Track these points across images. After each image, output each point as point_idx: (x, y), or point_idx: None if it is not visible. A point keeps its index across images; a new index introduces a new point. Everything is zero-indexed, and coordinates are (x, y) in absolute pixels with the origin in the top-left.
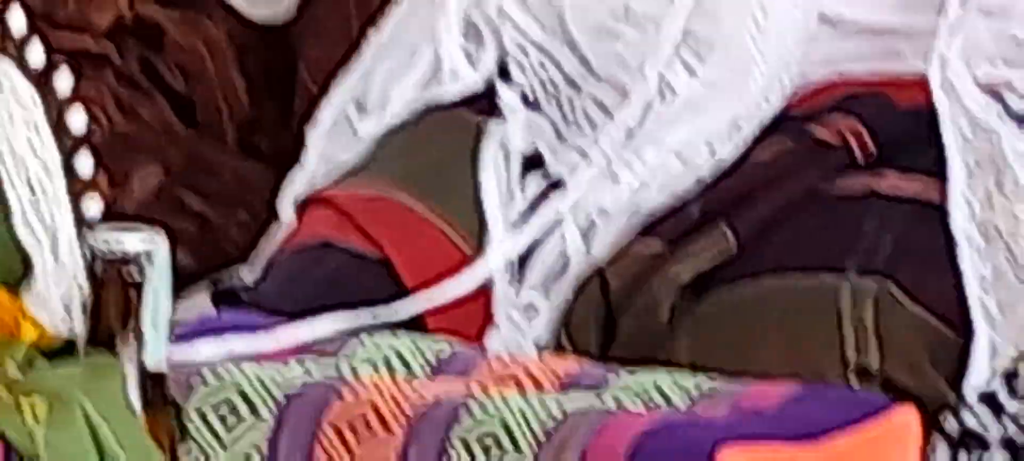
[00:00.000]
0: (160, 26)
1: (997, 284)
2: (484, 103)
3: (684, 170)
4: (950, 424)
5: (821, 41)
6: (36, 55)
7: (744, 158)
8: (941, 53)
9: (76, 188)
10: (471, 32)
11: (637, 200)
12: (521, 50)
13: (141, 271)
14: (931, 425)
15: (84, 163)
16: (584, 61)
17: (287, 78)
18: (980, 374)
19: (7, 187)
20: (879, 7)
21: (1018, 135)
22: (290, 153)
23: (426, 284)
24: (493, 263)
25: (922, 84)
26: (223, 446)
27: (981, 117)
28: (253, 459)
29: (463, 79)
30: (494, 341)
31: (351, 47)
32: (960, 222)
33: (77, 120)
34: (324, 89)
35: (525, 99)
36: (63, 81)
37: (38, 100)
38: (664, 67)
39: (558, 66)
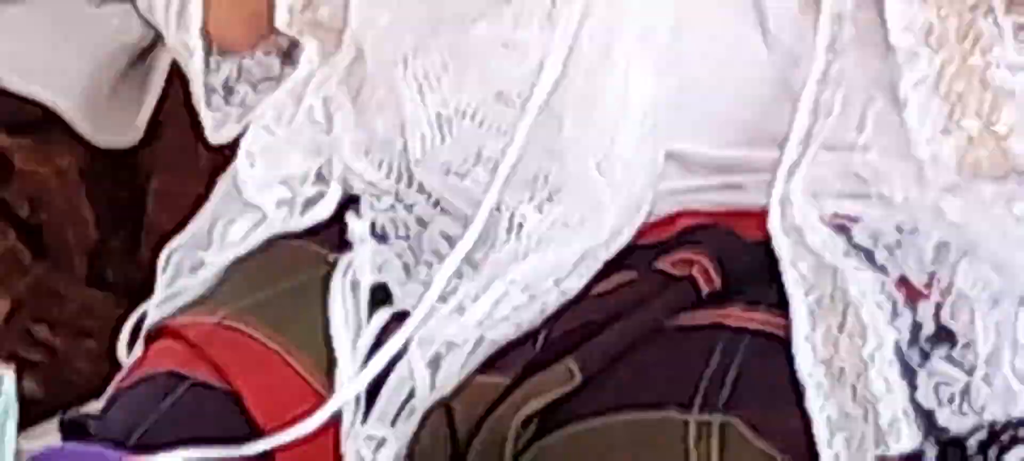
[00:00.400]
0: (6, 154)
1: (844, 424)
2: (333, 234)
3: (531, 304)
4: None
5: (667, 177)
6: None
7: (588, 289)
8: (781, 192)
9: None
10: (319, 178)
11: (482, 332)
12: (369, 192)
13: None
14: None
15: None
16: (431, 199)
17: (135, 207)
18: None
19: None
20: (723, 143)
21: (862, 271)
22: (138, 283)
23: (276, 417)
24: (342, 399)
25: (765, 215)
26: None
27: (825, 255)
28: None
29: (310, 210)
30: None
31: (198, 175)
32: (805, 364)
33: None
34: (171, 219)
35: (374, 231)
36: None
37: None
38: (513, 204)
39: (407, 206)
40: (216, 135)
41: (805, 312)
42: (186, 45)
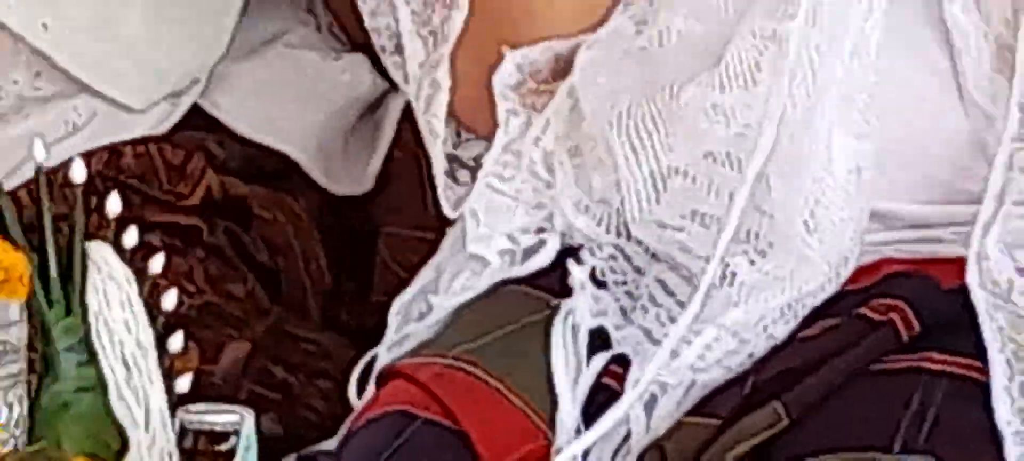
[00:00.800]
0: (246, 202)
1: None
2: (553, 280)
3: (741, 349)
4: None
5: (870, 231)
6: (130, 237)
7: (794, 335)
8: (978, 247)
9: (167, 363)
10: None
11: (694, 375)
12: (589, 242)
13: (232, 446)
14: None
15: (175, 341)
16: (648, 251)
17: (366, 252)
18: None
19: (103, 365)
20: (922, 200)
21: None
22: (370, 326)
23: (500, 456)
24: (570, 442)
25: (963, 264)
26: None
27: (1022, 307)
28: None
29: (531, 259)
30: None
31: (426, 220)
32: (1003, 414)
33: (169, 299)
34: (401, 264)
35: (594, 278)
36: (156, 262)
37: (132, 280)
38: (730, 256)
39: (625, 255)
40: (453, 210)
41: (1003, 362)
42: (433, 128)
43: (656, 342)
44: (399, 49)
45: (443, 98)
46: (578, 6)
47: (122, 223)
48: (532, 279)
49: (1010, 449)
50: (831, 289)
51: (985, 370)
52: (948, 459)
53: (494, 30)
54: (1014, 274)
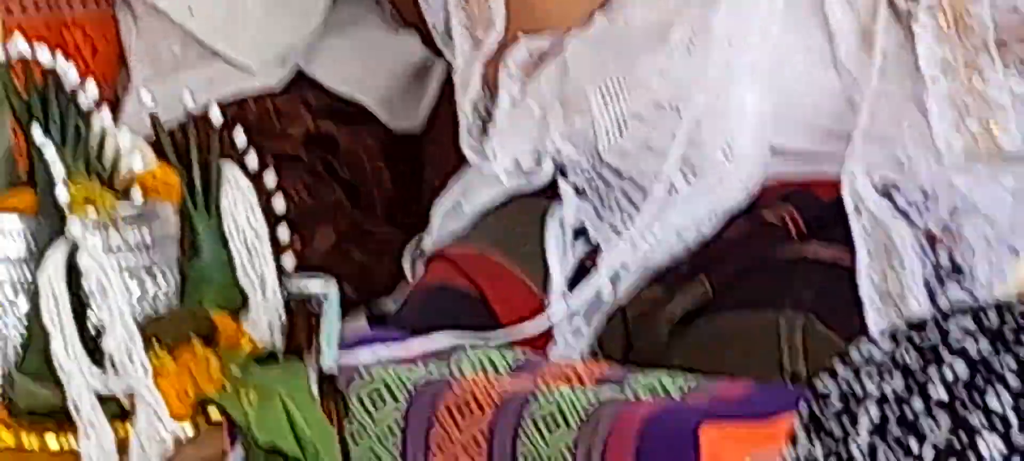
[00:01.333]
0: (334, 136)
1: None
2: (549, 191)
3: (679, 241)
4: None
5: (770, 162)
6: (252, 160)
7: (719, 234)
8: (850, 170)
9: (277, 248)
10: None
11: (647, 260)
12: (573, 163)
13: (320, 305)
14: None
15: (283, 232)
16: (615, 171)
17: (418, 171)
18: None
19: (232, 248)
20: (808, 140)
21: (902, 225)
22: (420, 224)
23: (511, 314)
24: (558, 306)
25: (836, 184)
26: (373, 422)
27: (877, 214)
28: (393, 431)
29: (534, 178)
30: (554, 352)
31: (458, 151)
32: (865, 289)
33: (278, 203)
34: (443, 182)
35: (576, 190)
36: (269, 177)
37: (252, 190)
38: (672, 176)
39: (599, 174)
40: (474, 154)
41: (865, 252)
42: (463, 108)
43: (620, 235)
44: (449, 33)
45: (475, 85)
46: (572, 12)
47: (245, 151)
48: (532, 192)
49: (868, 312)
50: (743, 199)
51: (851, 257)
52: (822, 316)
53: (518, 25)
54: (870, 190)
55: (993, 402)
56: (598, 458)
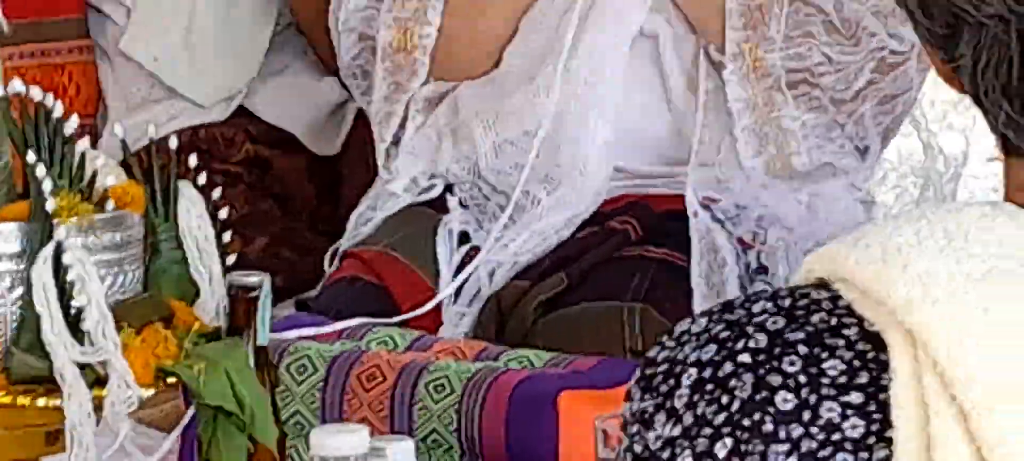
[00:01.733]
0: (268, 159)
1: None
2: (439, 204)
3: (542, 243)
4: None
5: (615, 179)
6: (201, 178)
7: (573, 237)
8: (688, 189)
9: (222, 249)
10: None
11: (516, 258)
12: (459, 181)
13: (256, 294)
14: None
15: (226, 236)
16: (491, 186)
17: (336, 188)
18: None
19: (186, 248)
20: (645, 163)
21: (720, 231)
22: (337, 229)
23: (408, 301)
24: (445, 294)
25: (667, 198)
26: (298, 387)
27: (704, 221)
28: (314, 395)
29: (428, 193)
30: (442, 332)
31: (370, 173)
32: (695, 280)
33: (222, 213)
34: (355, 196)
35: (461, 203)
36: (215, 192)
37: (202, 202)
38: (535, 190)
39: (479, 189)
40: (384, 170)
41: (698, 253)
42: (382, 135)
43: (495, 239)
44: (366, 79)
45: (395, 121)
46: (477, 68)
47: (197, 171)
48: (427, 204)
49: (696, 300)
50: (593, 209)
51: (683, 257)
52: (656, 304)
53: (437, 76)
54: (698, 206)
55: (787, 366)
56: (477, 418)
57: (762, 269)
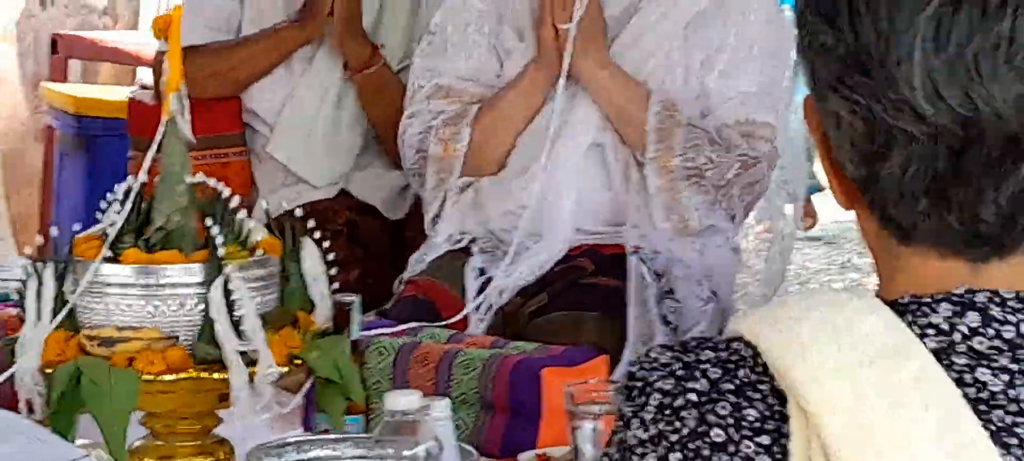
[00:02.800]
0: (358, 222)
1: (643, 330)
2: (465, 251)
3: (531, 274)
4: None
5: (576, 236)
6: (316, 235)
7: (550, 271)
8: (626, 240)
9: (329, 279)
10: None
11: (515, 285)
12: (478, 237)
13: (350, 308)
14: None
15: (331, 272)
16: (499, 240)
17: (401, 241)
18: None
19: (307, 280)
20: (594, 225)
21: (645, 271)
22: (402, 266)
23: (447, 313)
24: (470, 308)
25: (611, 247)
26: (378, 365)
27: (634, 261)
28: (387, 371)
29: (459, 244)
30: (469, 332)
31: (423, 232)
32: (629, 298)
33: (329, 257)
34: (413, 246)
35: (481, 250)
36: (324, 245)
37: (317, 250)
38: (526, 242)
39: (490, 242)
40: (432, 232)
41: (631, 281)
42: (430, 210)
43: (503, 273)
44: (421, 177)
45: (438, 201)
46: (494, 168)
47: (313, 230)
48: (458, 251)
49: (630, 312)
50: (562, 253)
51: (621, 284)
52: (604, 315)
53: (465, 174)
54: (631, 252)
55: (720, 410)
56: (490, 384)
57: (670, 291)
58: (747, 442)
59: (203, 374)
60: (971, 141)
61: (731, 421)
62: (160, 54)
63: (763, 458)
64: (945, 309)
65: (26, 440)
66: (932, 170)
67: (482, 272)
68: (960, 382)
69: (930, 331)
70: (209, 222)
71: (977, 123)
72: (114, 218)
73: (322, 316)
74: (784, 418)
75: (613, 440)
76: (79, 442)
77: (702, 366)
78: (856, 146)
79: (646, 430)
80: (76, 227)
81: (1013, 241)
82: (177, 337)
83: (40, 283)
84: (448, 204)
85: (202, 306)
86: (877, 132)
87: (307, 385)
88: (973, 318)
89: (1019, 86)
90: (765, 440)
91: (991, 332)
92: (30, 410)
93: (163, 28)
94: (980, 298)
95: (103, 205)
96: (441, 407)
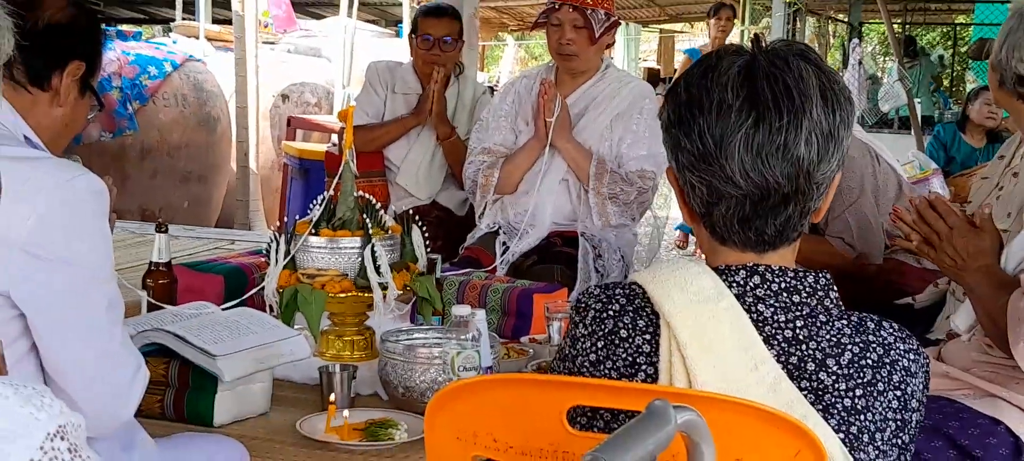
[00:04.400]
0: (441, 216)
1: (585, 277)
2: (495, 233)
3: (528, 245)
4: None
5: (553, 228)
6: (418, 226)
7: (538, 245)
8: (580, 230)
9: (425, 246)
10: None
11: (520, 251)
12: (502, 225)
13: (436, 260)
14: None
15: (426, 241)
16: (513, 227)
17: (464, 227)
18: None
19: (413, 245)
20: (563, 221)
21: (588, 245)
22: (463, 240)
23: (486, 263)
24: (498, 262)
25: (571, 233)
26: (448, 292)
27: (583, 244)
28: (453, 293)
29: (492, 229)
30: (497, 274)
31: (474, 222)
32: (579, 261)
33: (425, 235)
34: (469, 230)
35: (503, 230)
36: (423, 229)
37: (419, 232)
38: (525, 228)
39: (508, 227)
40: (480, 224)
41: (581, 251)
42: (479, 215)
43: (515, 243)
44: (474, 194)
45: (483, 206)
46: (508, 190)
47: (415, 220)
48: (493, 233)
49: (579, 268)
50: (544, 236)
51: (575, 253)
52: (566, 267)
53: (497, 194)
54: (581, 236)
55: (627, 321)
56: (507, 303)
57: (599, 256)
58: (638, 336)
59: (360, 294)
60: (762, 197)
61: (630, 325)
62: (341, 130)
63: (646, 345)
64: (742, 274)
65: (269, 325)
66: (741, 211)
67: (504, 244)
68: (748, 311)
69: (734, 285)
70: (365, 216)
71: (766, 188)
72: (316, 212)
73: (421, 265)
74: (657, 326)
75: (567, 333)
76: (296, 327)
77: (616, 297)
78: (700, 198)
79: (586, 328)
80: (297, 217)
81: (780, 243)
82: (347, 274)
83: (277, 245)
84: (487, 208)
85: (359, 259)
86: (713, 193)
87: (412, 302)
88: (756, 279)
89: (788, 168)
90: (648, 336)
91: (765, 286)
92: (271, 310)
93: (343, 116)
94: (760, 268)
95: (311, 205)
96: (481, 314)
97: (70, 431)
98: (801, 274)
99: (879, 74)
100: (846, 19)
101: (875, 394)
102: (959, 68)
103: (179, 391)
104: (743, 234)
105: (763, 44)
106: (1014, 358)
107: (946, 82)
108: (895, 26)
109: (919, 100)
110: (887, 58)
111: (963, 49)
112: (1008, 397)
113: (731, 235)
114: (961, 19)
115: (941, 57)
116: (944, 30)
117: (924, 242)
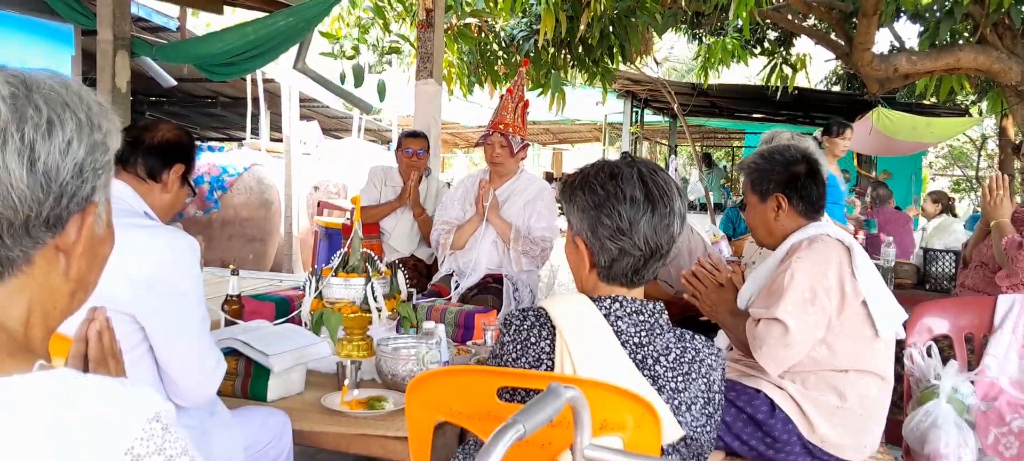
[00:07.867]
0: (416, 264)
1: (508, 304)
2: (450, 276)
3: (471, 283)
4: None
5: (487, 272)
6: (401, 271)
7: (475, 284)
8: (505, 274)
9: (406, 283)
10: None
11: (466, 287)
12: (456, 272)
13: (411, 293)
14: None
15: (404, 279)
16: (462, 271)
17: (430, 272)
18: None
19: (396, 282)
20: (494, 266)
21: (509, 283)
22: (429, 279)
23: (446, 294)
24: (453, 295)
25: (498, 276)
26: (418, 313)
27: (506, 283)
28: (424, 315)
29: (448, 273)
30: (452, 300)
31: (437, 269)
32: (505, 295)
33: (405, 278)
34: (434, 273)
35: (456, 275)
36: (404, 275)
37: (403, 275)
38: (468, 272)
39: (458, 273)
40: (441, 268)
41: (506, 287)
42: (439, 260)
43: (464, 280)
44: (437, 251)
45: (442, 257)
46: (459, 246)
47: (400, 268)
48: (448, 275)
49: (504, 299)
50: (481, 277)
51: (501, 287)
52: (495, 298)
53: (453, 249)
54: (506, 277)
55: (535, 336)
56: (458, 320)
57: (516, 289)
58: (542, 341)
59: (363, 314)
60: (649, 256)
61: (537, 334)
62: (353, 210)
63: (547, 347)
64: (608, 301)
65: (305, 335)
66: (635, 266)
67: (456, 283)
68: (612, 325)
69: (603, 309)
70: (367, 264)
71: (656, 250)
72: (336, 262)
73: (403, 296)
74: (554, 335)
75: (497, 339)
76: (322, 336)
77: (528, 316)
78: (608, 255)
79: (509, 337)
80: (323, 265)
81: (640, 284)
82: (355, 302)
83: (310, 283)
84: (446, 259)
85: (364, 292)
86: (619, 253)
87: (397, 319)
88: (617, 305)
89: (667, 238)
90: (548, 341)
91: (622, 309)
92: (305, 325)
93: (355, 201)
94: (621, 298)
95: (333, 258)
96: (441, 328)
97: (163, 415)
98: (645, 302)
99: (687, 177)
100: (667, 142)
101: (690, 380)
102: (736, 173)
103: (244, 378)
104: (630, 279)
105: (635, 158)
106: (756, 359)
107: (729, 181)
108: (697, 148)
109: (713, 192)
110: (692, 167)
111: (739, 161)
112: (761, 378)
113: (621, 279)
114: (737, 143)
115: (725, 166)
116: (727, 149)
117: (693, 296)
